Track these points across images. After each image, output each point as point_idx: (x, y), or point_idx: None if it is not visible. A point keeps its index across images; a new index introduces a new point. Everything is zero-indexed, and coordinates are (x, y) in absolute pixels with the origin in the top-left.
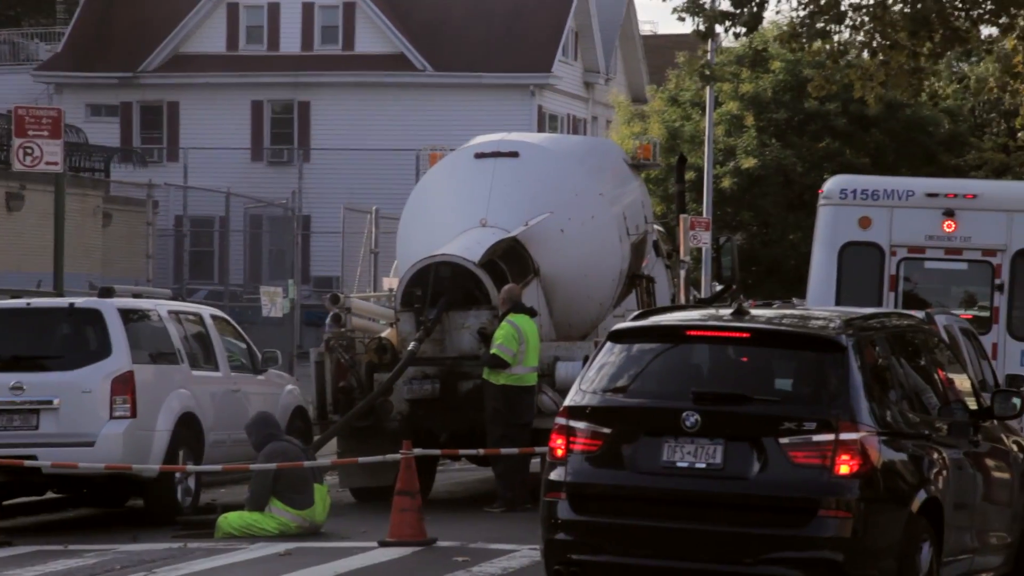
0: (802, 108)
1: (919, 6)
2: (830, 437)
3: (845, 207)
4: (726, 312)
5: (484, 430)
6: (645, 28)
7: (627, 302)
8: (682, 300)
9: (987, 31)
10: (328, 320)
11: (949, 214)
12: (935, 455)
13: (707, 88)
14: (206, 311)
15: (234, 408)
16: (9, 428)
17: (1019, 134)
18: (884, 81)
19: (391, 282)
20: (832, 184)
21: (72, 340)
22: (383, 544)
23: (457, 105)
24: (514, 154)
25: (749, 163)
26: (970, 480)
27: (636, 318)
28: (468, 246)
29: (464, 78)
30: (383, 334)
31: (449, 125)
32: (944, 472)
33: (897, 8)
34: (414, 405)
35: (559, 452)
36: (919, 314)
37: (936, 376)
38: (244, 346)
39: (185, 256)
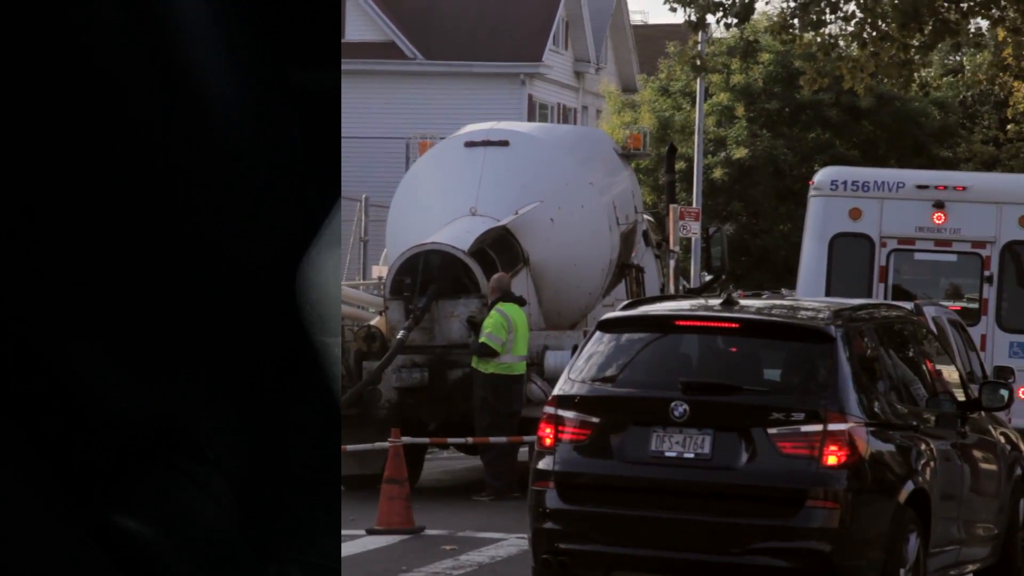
0: (793, 99)
1: None
2: (818, 428)
3: (835, 198)
4: (715, 302)
5: (473, 419)
6: (636, 18)
7: (616, 292)
8: (671, 290)
9: (977, 23)
10: None
11: (939, 206)
12: (923, 446)
13: (698, 79)
14: None
15: None
16: None
17: (1008, 127)
18: (874, 72)
19: (380, 270)
20: (823, 175)
21: None
22: (371, 532)
23: (447, 93)
24: (504, 143)
25: (740, 153)
26: (957, 471)
27: (625, 308)
28: (457, 235)
29: (454, 67)
30: (372, 322)
31: (439, 113)
32: (932, 463)
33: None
34: (403, 393)
35: (547, 441)
36: (908, 305)
37: (924, 367)
38: None
39: None
